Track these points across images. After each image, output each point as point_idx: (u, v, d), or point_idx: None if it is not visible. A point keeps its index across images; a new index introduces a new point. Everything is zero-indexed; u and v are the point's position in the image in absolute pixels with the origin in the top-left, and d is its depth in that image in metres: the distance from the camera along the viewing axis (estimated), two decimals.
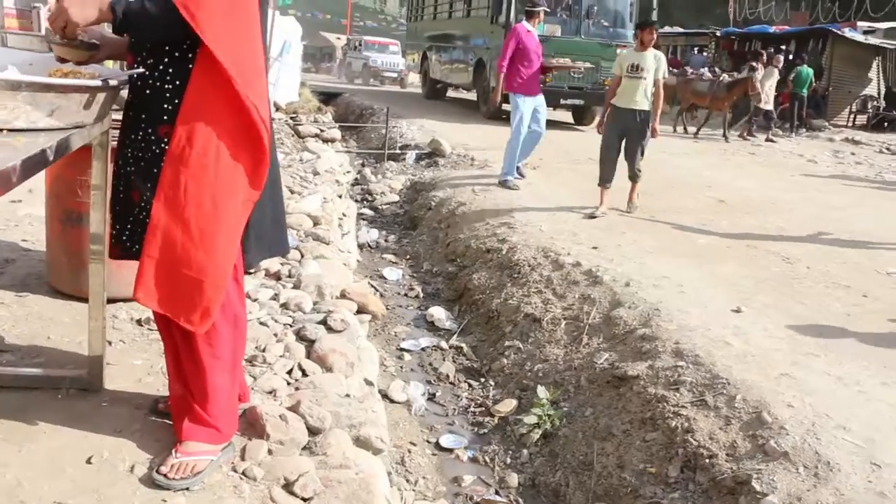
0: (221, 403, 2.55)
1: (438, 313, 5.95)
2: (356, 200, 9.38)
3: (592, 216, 7.14)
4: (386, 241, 8.10)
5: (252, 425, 2.74)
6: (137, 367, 3.18)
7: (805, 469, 3.18)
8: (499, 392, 4.81)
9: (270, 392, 3.11)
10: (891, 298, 5.50)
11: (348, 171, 10.07)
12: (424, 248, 7.58)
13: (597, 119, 7.22)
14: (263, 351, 3.46)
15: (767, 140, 16.02)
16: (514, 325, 5.35)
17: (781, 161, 13.08)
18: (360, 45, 34.69)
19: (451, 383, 5.00)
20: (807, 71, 17.73)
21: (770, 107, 16.64)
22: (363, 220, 8.76)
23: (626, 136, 7.35)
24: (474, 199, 7.86)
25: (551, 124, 10.96)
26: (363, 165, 11.57)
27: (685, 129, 17.14)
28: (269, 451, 2.66)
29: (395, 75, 31.30)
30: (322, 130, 14.37)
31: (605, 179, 7.44)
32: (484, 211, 7.43)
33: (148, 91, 2.32)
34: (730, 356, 4.15)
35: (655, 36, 7.35)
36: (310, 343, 3.64)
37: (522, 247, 6.24)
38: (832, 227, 7.73)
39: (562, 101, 14.69)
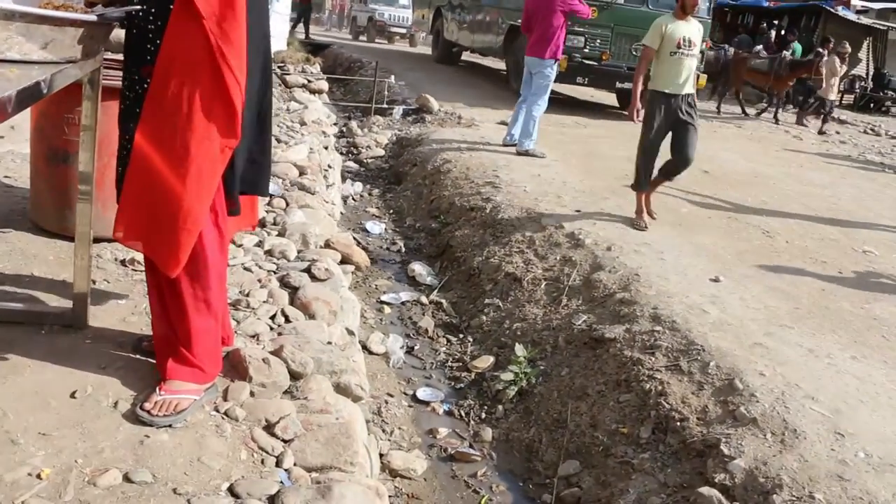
0: (205, 344, 2.57)
1: (420, 268, 5.98)
2: (342, 153, 9.34)
3: (641, 228, 5.89)
4: (370, 194, 8.10)
5: (235, 367, 2.77)
6: (121, 305, 3.19)
7: (772, 435, 3.27)
8: (477, 348, 4.87)
9: (254, 336, 3.14)
10: (866, 276, 5.61)
11: (335, 124, 10.00)
12: (408, 204, 7.58)
13: (637, 106, 5.93)
14: (247, 296, 3.47)
15: (820, 132, 14.33)
16: (495, 283, 5.39)
17: (767, 136, 13.13)
18: None
19: (429, 338, 5.06)
20: (798, 46, 17.67)
21: (833, 97, 15.09)
22: (348, 172, 8.73)
23: (675, 129, 5.90)
24: (460, 158, 7.84)
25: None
26: (349, 118, 11.50)
27: (743, 110, 15.69)
28: (252, 393, 2.69)
29: (404, 31, 27.89)
30: (310, 81, 14.23)
31: (646, 183, 6.09)
32: (469, 169, 7.43)
33: (134, 30, 2.35)
34: (706, 324, 4.22)
35: (703, 2, 6.45)
36: (293, 290, 3.66)
37: (506, 206, 6.27)
38: (813, 203, 7.81)
39: (618, 85, 11.77)
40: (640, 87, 5.98)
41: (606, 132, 10.50)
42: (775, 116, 15.05)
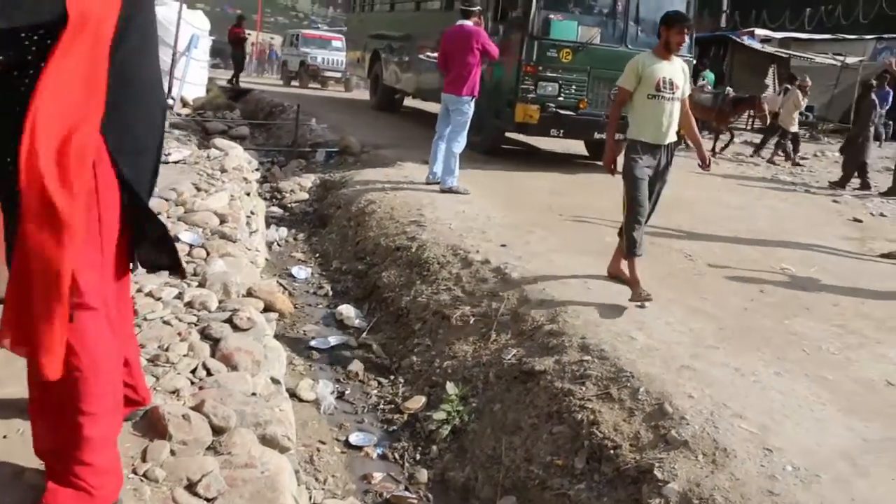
0: (98, 460, 2.22)
1: (348, 311, 5.91)
2: (265, 198, 9.23)
3: (646, 299, 4.94)
4: (295, 239, 8.02)
5: (154, 426, 2.68)
6: None
7: (704, 456, 3.30)
8: (408, 389, 4.82)
9: (173, 392, 3.04)
10: (785, 292, 5.76)
11: (257, 169, 9.90)
12: (334, 247, 7.52)
13: (613, 157, 5.26)
14: (167, 350, 3.38)
15: (794, 164, 14.52)
16: (424, 322, 5.36)
17: (681, 161, 13.45)
18: (298, 39, 27.94)
19: (360, 381, 4.99)
20: (710, 75, 18.30)
21: (795, 128, 14.87)
22: (272, 218, 8.63)
23: (654, 177, 5.21)
24: (384, 198, 7.83)
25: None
26: (272, 163, 11.40)
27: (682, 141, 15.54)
28: (172, 452, 2.60)
29: (338, 76, 25.80)
30: (230, 127, 14.13)
31: (640, 246, 5.14)
32: (394, 209, 7.41)
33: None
34: (634, 350, 4.26)
35: (687, 39, 5.50)
36: (215, 342, 3.58)
37: (432, 244, 6.26)
38: (732, 225, 8.03)
39: (596, 136, 10.20)
40: (614, 136, 5.31)
41: (528, 164, 10.62)
42: (713, 150, 14.91)
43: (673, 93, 5.09)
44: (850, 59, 21.11)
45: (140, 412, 2.65)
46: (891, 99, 17.90)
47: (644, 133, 5.10)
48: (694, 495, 3.10)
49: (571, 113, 9.96)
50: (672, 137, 5.19)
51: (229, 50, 36.78)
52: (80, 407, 2.14)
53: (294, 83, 26.45)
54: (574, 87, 9.94)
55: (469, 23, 8.16)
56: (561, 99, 9.88)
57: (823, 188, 12.01)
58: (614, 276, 5.36)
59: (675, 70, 5.15)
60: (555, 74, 9.77)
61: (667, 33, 5.08)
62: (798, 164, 14.61)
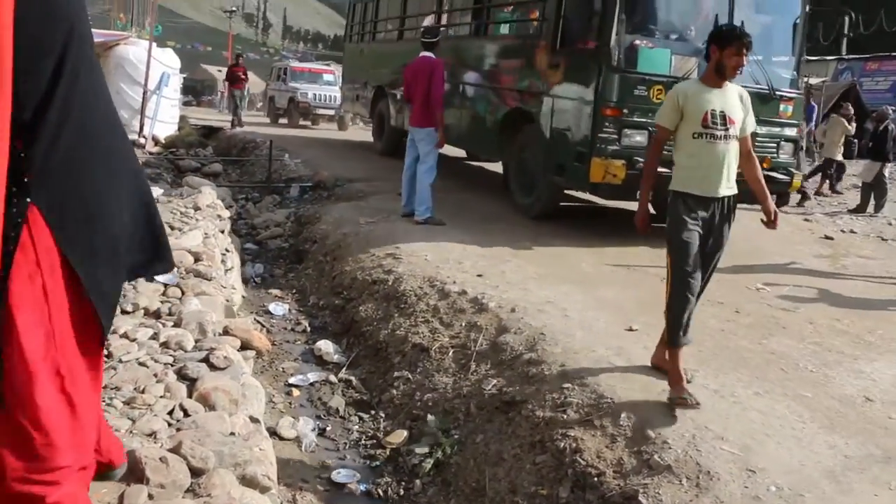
0: None
1: (326, 347, 5.88)
2: (240, 235, 9.20)
3: (691, 405, 3.81)
4: (271, 275, 7.98)
5: (131, 470, 2.63)
6: None
7: (687, 480, 3.30)
8: (389, 423, 4.79)
9: (150, 434, 3.00)
10: (761, 312, 5.80)
11: (231, 206, 9.87)
12: (310, 282, 7.49)
13: (645, 213, 4.41)
14: (143, 392, 3.33)
15: (835, 192, 14.48)
16: (403, 355, 5.34)
17: None
18: (286, 73, 24.99)
19: (341, 417, 4.96)
20: None
21: (840, 157, 14.53)
22: (248, 254, 8.59)
23: (707, 239, 4.12)
24: (360, 231, 7.83)
25: None
26: (247, 199, 11.38)
27: None
28: (150, 496, 2.56)
29: (331, 113, 23.14)
30: (203, 165, 14.11)
31: (685, 333, 4.09)
32: (369, 242, 7.40)
33: None
34: (613, 375, 4.26)
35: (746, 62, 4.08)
36: (191, 382, 3.53)
37: (408, 277, 6.25)
38: None
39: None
40: (650, 189, 4.36)
41: (495, 191, 10.65)
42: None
43: (727, 129, 4.00)
44: (814, 80, 21.50)
45: (117, 473, 2.56)
46: (814, 115, 18.21)
47: (691, 183, 4.04)
48: None
49: (665, 169, 7.06)
50: (730, 188, 4.10)
51: (199, 87, 35.84)
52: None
53: (282, 121, 24.24)
54: None
55: (431, 54, 8.24)
56: None
57: (793, 206, 12.18)
58: (657, 366, 4.35)
59: (730, 100, 4.06)
60: (644, 119, 7.38)
61: (719, 54, 3.97)
62: (839, 193, 14.54)
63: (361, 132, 20.25)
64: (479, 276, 6.17)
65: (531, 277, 6.18)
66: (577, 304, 5.56)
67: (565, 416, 3.95)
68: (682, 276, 4.01)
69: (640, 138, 7.47)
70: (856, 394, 4.29)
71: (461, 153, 13.82)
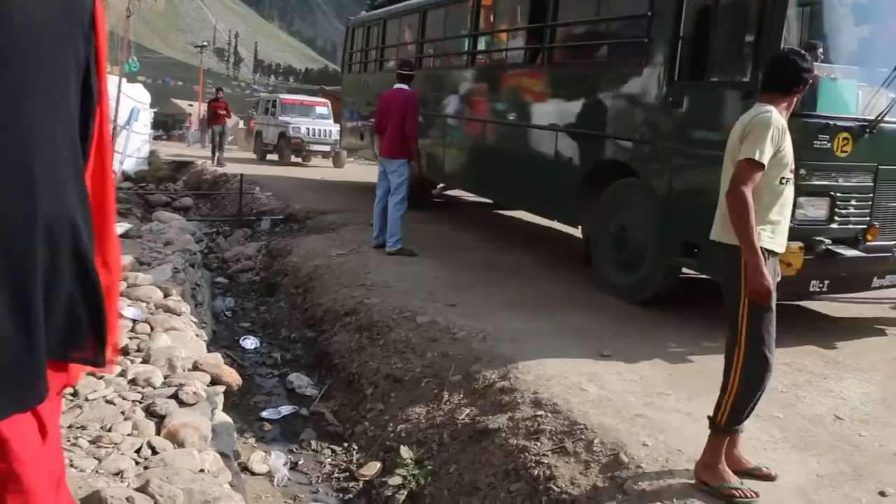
0: None
1: (299, 380, 5.85)
2: (210, 269, 9.15)
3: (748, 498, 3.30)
4: (242, 309, 7.93)
5: None
6: None
7: None
8: (363, 455, 4.75)
9: (117, 473, 2.95)
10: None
11: (202, 240, 9.82)
12: (282, 315, 7.45)
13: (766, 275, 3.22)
14: (109, 431, 3.28)
15: None
16: (376, 386, 5.32)
17: None
18: (275, 106, 22.53)
19: (313, 450, 4.92)
20: None
21: None
22: (218, 288, 8.54)
23: None
24: (331, 263, 7.81)
25: None
26: (217, 233, 11.33)
27: None
28: None
29: (327, 148, 20.89)
30: (173, 199, 14.06)
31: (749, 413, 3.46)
32: (341, 274, 7.39)
33: None
34: (586, 402, 4.26)
35: None
36: (160, 419, 3.49)
37: (380, 308, 6.24)
38: None
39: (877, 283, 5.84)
40: (756, 241, 3.21)
41: (466, 221, 10.70)
42: None
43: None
44: None
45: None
46: None
47: (778, 238, 3.38)
48: None
49: (859, 253, 5.36)
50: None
51: (170, 121, 35.09)
52: None
53: (271, 156, 22.09)
54: (855, 202, 5.40)
55: (405, 87, 8.29)
56: (836, 226, 5.34)
57: None
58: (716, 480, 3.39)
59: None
60: (827, 182, 5.25)
61: (802, 89, 3.43)
62: None
63: (363, 169, 18.20)
64: (451, 305, 6.17)
65: (502, 306, 6.18)
66: (548, 331, 5.57)
67: (539, 444, 3.94)
68: (765, 364, 3.34)
69: (817, 212, 5.24)
70: (826, 412, 4.33)
71: (469, 193, 12.09)
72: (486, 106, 9.24)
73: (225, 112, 19.88)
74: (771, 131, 3.21)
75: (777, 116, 3.27)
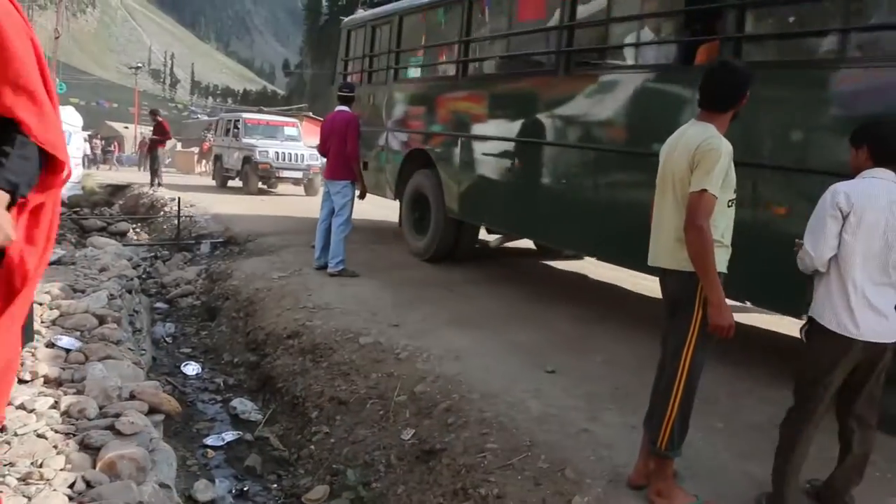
0: None
1: (242, 405, 5.74)
2: (149, 295, 8.95)
3: None
4: (183, 334, 7.77)
5: None
6: None
7: None
8: (309, 479, 4.68)
9: None
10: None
11: (139, 265, 9.61)
12: (224, 339, 7.32)
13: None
14: (40, 466, 3.16)
15: None
16: (321, 409, 5.25)
17: None
18: (238, 127, 20.12)
19: (259, 476, 4.83)
20: None
21: None
22: (158, 314, 8.35)
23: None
24: (273, 286, 7.71)
25: None
26: (155, 258, 11.10)
27: None
28: None
29: (298, 175, 18.81)
30: (109, 224, 13.75)
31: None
32: (283, 297, 7.30)
33: None
34: (531, 419, 4.27)
35: None
36: (95, 451, 3.38)
37: (323, 330, 6.17)
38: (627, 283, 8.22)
39: None
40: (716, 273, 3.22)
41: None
42: None
43: None
44: None
45: None
46: None
47: (725, 259, 3.36)
48: None
49: None
50: None
51: (104, 145, 34.10)
52: None
53: (232, 183, 20.15)
54: None
55: (347, 108, 8.31)
56: None
57: None
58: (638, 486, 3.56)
59: None
60: None
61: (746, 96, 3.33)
62: None
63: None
64: (395, 325, 6.13)
65: (445, 324, 6.17)
66: (491, 349, 5.57)
67: (486, 462, 3.93)
68: (698, 376, 3.38)
69: None
70: (765, 421, 4.39)
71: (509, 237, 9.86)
72: (593, 128, 6.28)
73: (165, 134, 18.87)
74: (723, 160, 3.13)
75: (726, 143, 3.19)
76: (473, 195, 7.94)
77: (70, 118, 17.07)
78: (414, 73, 9.77)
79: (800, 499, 3.31)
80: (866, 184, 3.17)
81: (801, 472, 3.32)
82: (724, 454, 3.92)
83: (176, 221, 12.19)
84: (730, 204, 3.29)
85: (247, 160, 18.69)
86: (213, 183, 20.86)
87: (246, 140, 19.22)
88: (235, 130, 20.03)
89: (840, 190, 3.16)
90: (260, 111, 30.71)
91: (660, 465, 3.41)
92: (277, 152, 18.53)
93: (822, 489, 3.39)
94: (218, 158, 20.99)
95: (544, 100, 6.85)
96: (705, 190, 3.11)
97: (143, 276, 9.58)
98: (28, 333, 2.25)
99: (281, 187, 19.33)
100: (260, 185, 18.76)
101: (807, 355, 3.29)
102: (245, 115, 22.71)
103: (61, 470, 3.18)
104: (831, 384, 3.21)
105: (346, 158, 8.15)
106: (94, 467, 3.26)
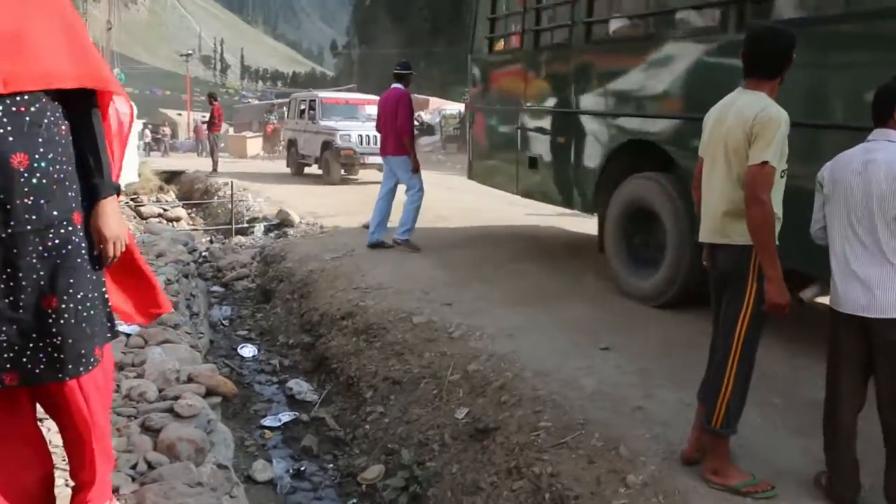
0: None
1: (298, 386, 5.82)
2: (205, 279, 9.11)
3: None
4: (239, 317, 7.90)
5: None
6: None
7: (665, 497, 3.27)
8: (364, 459, 4.73)
9: (113, 491, 2.91)
10: None
11: (195, 250, 9.77)
12: (279, 321, 7.42)
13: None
14: None
15: None
16: (375, 389, 5.29)
17: None
18: (314, 108, 18.01)
19: (315, 456, 4.90)
20: None
21: None
22: (214, 298, 8.51)
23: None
24: (326, 267, 7.78)
25: None
26: (211, 242, 11.30)
27: None
28: None
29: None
30: (165, 210, 14.00)
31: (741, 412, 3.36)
32: (337, 278, 7.35)
33: None
34: (584, 396, 4.24)
35: None
36: (155, 433, 3.45)
37: (376, 310, 6.21)
38: None
39: None
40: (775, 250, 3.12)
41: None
42: None
43: None
44: None
45: None
46: None
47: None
48: None
49: None
50: None
51: (161, 132, 34.32)
52: None
53: (309, 170, 18.39)
54: None
55: (400, 86, 8.35)
56: None
57: None
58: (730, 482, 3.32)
59: None
60: None
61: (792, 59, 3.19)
62: None
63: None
64: (447, 304, 6.13)
65: (498, 302, 6.15)
66: (545, 326, 5.54)
67: (540, 440, 3.92)
68: (753, 353, 3.31)
69: None
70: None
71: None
72: None
73: (218, 119, 18.93)
74: (782, 129, 3.01)
75: (783, 111, 3.04)
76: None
77: (123, 107, 17.32)
78: (624, 27, 6.65)
79: (854, 478, 3.21)
80: (858, 150, 3.10)
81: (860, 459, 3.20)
82: (782, 431, 3.84)
83: (230, 206, 12.35)
84: (782, 175, 3.14)
85: (326, 146, 16.73)
86: (288, 171, 19.46)
87: (325, 123, 17.12)
88: (311, 112, 18.00)
89: (827, 164, 3.16)
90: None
91: (715, 442, 3.34)
92: (361, 135, 16.36)
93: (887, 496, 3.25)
94: (292, 144, 19.24)
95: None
96: (766, 162, 2.98)
97: (200, 260, 9.75)
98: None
99: (362, 173, 17.03)
100: (345, 174, 16.82)
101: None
102: (321, 94, 20.63)
103: (123, 451, 3.26)
104: (839, 363, 3.16)
105: (398, 135, 8.21)
106: (154, 449, 3.33)
